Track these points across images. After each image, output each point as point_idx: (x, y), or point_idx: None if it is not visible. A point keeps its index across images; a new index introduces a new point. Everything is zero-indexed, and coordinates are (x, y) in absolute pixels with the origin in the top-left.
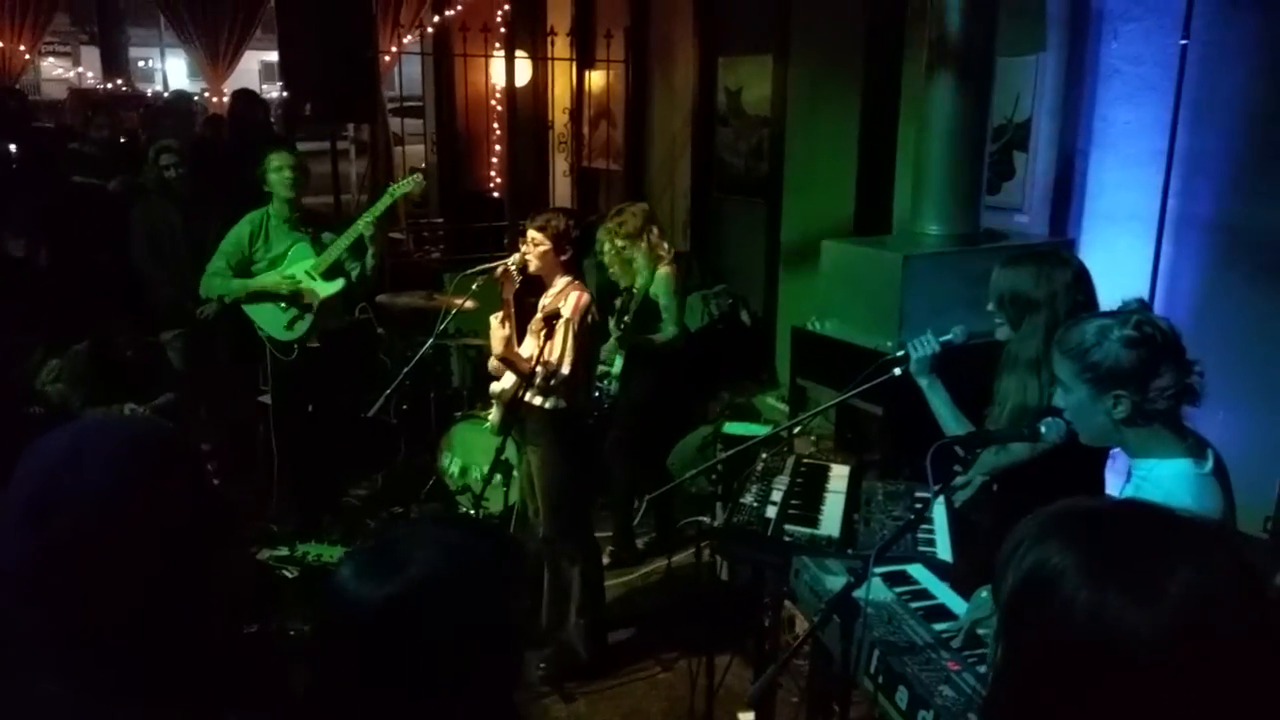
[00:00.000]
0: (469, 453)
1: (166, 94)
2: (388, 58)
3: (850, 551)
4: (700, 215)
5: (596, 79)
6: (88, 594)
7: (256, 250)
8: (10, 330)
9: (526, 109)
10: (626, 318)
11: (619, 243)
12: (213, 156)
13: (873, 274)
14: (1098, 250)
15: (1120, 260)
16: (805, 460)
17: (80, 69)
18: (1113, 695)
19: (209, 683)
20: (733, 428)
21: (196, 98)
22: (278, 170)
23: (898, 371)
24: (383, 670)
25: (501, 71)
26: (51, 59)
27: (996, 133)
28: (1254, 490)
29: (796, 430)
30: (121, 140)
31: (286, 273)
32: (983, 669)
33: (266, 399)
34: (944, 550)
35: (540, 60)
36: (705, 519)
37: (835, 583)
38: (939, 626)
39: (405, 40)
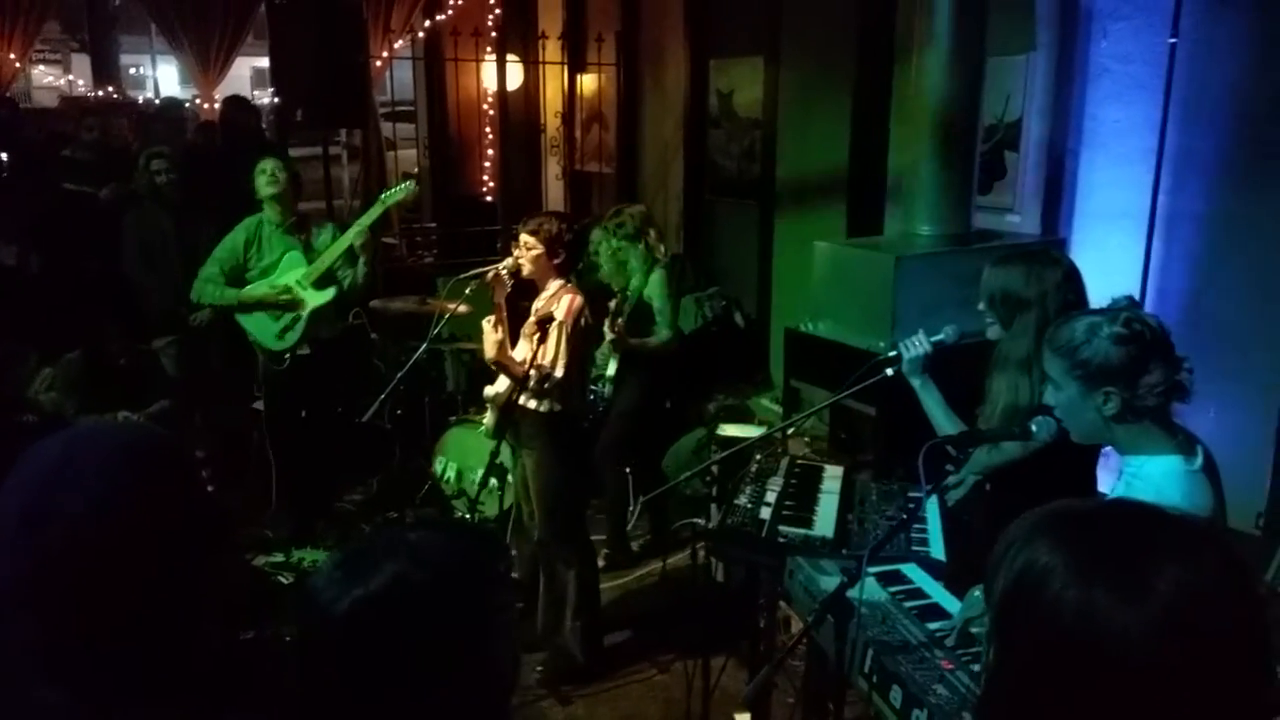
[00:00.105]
0: (464, 457)
1: (158, 101)
2: (379, 63)
3: (844, 552)
4: (693, 218)
5: (588, 82)
6: (83, 600)
7: (250, 258)
8: (2, 338)
9: (518, 113)
10: (620, 320)
11: (615, 244)
12: (204, 163)
13: (865, 275)
14: (1089, 249)
15: (1112, 258)
16: (799, 461)
17: (71, 76)
18: (1103, 694)
19: (205, 688)
20: (727, 429)
21: (188, 104)
22: (260, 174)
23: (890, 372)
24: (357, 675)
25: (493, 75)
26: (42, 67)
27: (987, 133)
28: (1245, 486)
29: (790, 431)
30: (114, 147)
31: (278, 282)
32: (976, 667)
33: (260, 405)
34: (937, 549)
35: (532, 64)
36: (700, 521)
37: (829, 583)
38: (933, 625)
39: (396, 45)
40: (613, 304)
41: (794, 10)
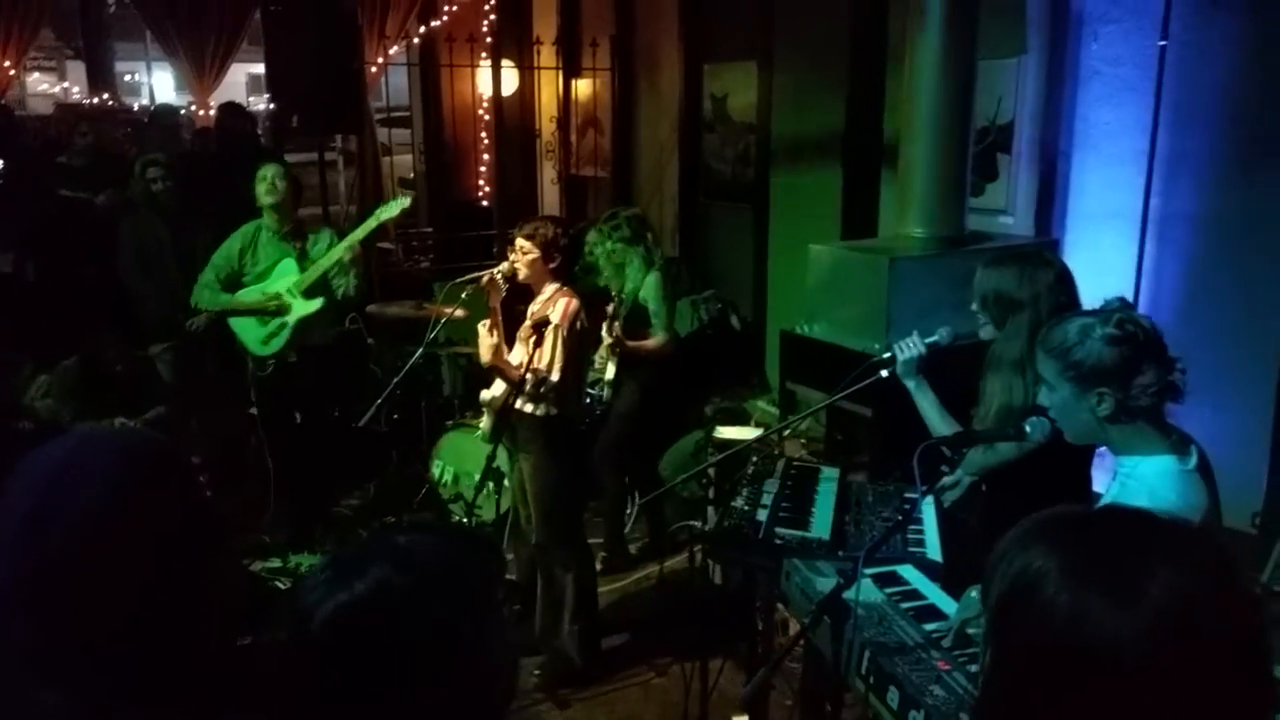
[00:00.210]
0: (461, 461)
1: (153, 108)
2: (374, 69)
3: (840, 553)
4: (688, 221)
5: (583, 87)
6: (82, 603)
7: (245, 263)
8: None
9: (514, 118)
10: (617, 323)
11: (610, 247)
12: (200, 170)
13: (859, 277)
14: (1082, 250)
15: (1105, 259)
16: (795, 463)
17: (66, 84)
18: (1097, 698)
19: (202, 692)
20: (724, 432)
21: (183, 111)
22: (260, 181)
23: (885, 374)
24: (342, 679)
25: (488, 81)
26: (37, 74)
27: (979, 135)
28: (1242, 486)
29: (787, 433)
30: (109, 154)
31: (269, 289)
32: (973, 668)
33: (255, 410)
34: (934, 550)
35: (527, 69)
36: (697, 523)
37: (826, 584)
38: (929, 626)
39: (391, 51)
40: (610, 308)
41: (787, 14)
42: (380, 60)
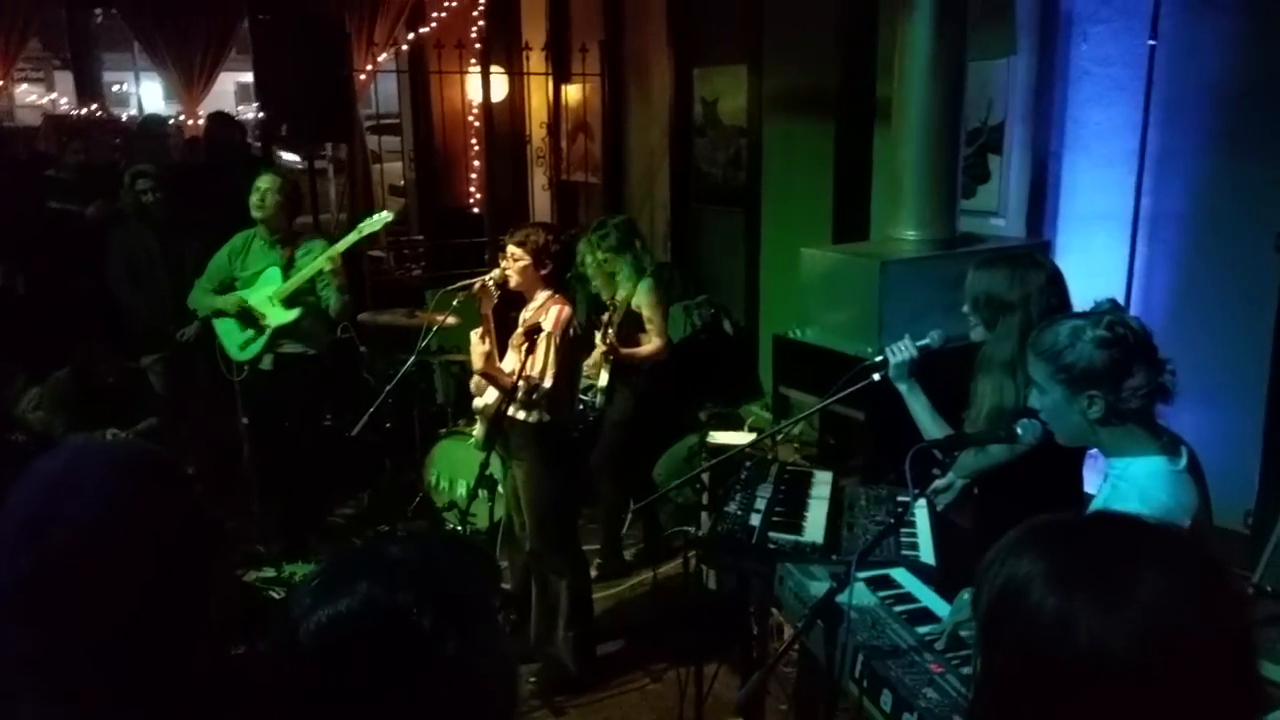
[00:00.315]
0: (454, 469)
1: (141, 118)
2: (363, 76)
3: (834, 557)
4: (680, 226)
5: (573, 93)
6: (79, 613)
7: (236, 267)
8: None
9: (504, 124)
10: (611, 330)
11: (601, 255)
12: (190, 180)
13: (851, 280)
14: (1074, 251)
15: (1096, 260)
16: (789, 467)
17: (54, 95)
18: (1086, 702)
19: (198, 701)
20: (718, 437)
21: (172, 121)
22: (253, 192)
23: (877, 377)
24: (327, 696)
25: (478, 87)
26: (25, 85)
27: (970, 137)
28: (1234, 485)
29: (780, 437)
30: (98, 165)
31: (253, 295)
32: (966, 670)
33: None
34: (927, 553)
35: (516, 75)
36: (691, 529)
37: (819, 588)
38: (922, 629)
39: (380, 58)
40: (605, 315)
41: (776, 17)
42: (369, 67)
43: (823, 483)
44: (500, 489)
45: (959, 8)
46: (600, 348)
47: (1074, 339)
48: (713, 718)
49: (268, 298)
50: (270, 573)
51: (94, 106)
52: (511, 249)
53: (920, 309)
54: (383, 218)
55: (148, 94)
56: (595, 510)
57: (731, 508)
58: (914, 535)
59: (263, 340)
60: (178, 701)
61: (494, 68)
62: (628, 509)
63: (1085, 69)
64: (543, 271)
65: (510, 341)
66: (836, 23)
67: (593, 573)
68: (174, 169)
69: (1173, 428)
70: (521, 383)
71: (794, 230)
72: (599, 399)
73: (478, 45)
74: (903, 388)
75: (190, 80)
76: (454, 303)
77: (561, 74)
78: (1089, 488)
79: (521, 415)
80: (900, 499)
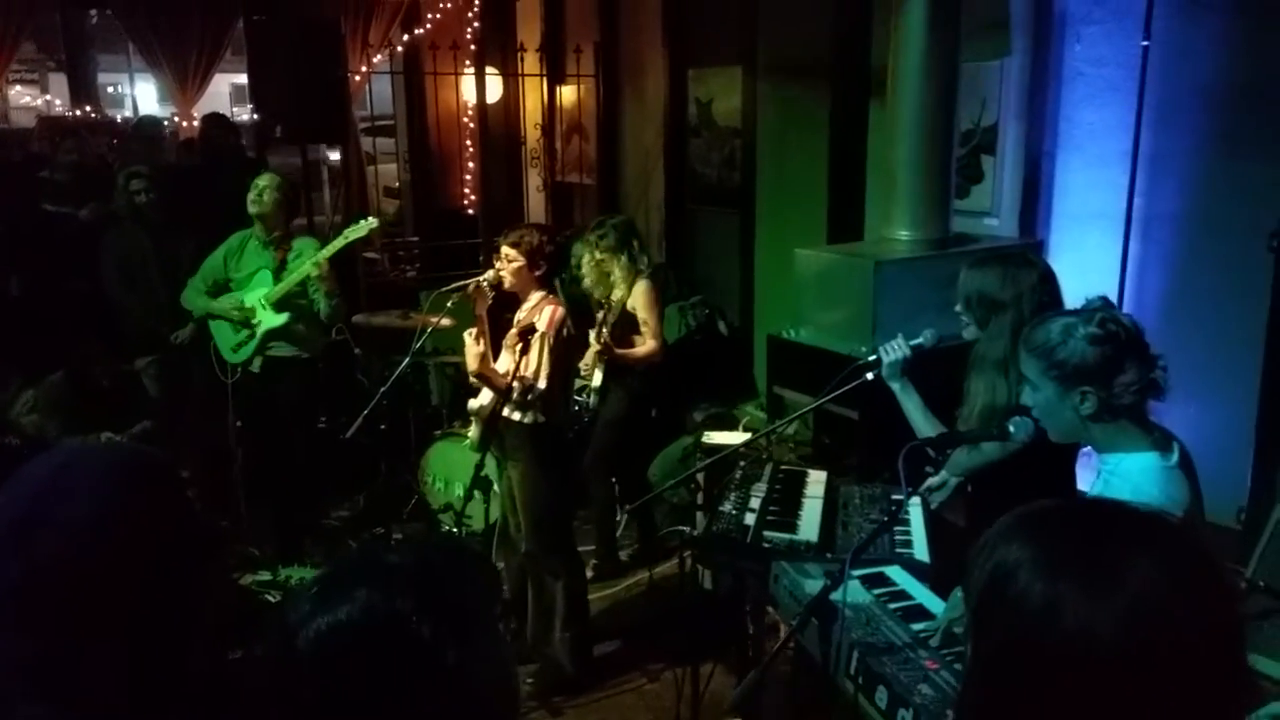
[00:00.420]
0: (450, 470)
1: (136, 119)
2: (358, 77)
3: (829, 555)
4: (675, 227)
5: (568, 94)
6: (73, 616)
7: (231, 268)
8: None
9: (498, 125)
10: (605, 330)
11: (598, 255)
12: (184, 181)
13: (845, 281)
14: (1067, 250)
15: (1090, 259)
16: (783, 467)
17: (48, 96)
18: (1073, 688)
19: (193, 705)
20: (712, 437)
21: (167, 122)
22: (251, 189)
23: (870, 376)
24: (326, 704)
25: (472, 89)
26: (19, 87)
27: (964, 137)
28: (1226, 482)
29: (775, 437)
30: (92, 166)
31: (245, 298)
32: (960, 667)
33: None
34: (921, 551)
35: (511, 77)
36: (686, 529)
37: (814, 587)
38: (917, 626)
39: (375, 60)
40: (600, 315)
41: (771, 19)
42: (364, 69)
43: (817, 481)
44: (496, 490)
45: (952, 9)
46: (594, 347)
47: (1066, 336)
48: (709, 717)
49: (259, 300)
50: (265, 576)
51: (88, 108)
52: (506, 250)
53: (914, 308)
54: (368, 223)
55: (142, 95)
56: (591, 511)
57: (726, 507)
58: (908, 533)
59: (254, 344)
60: (174, 706)
61: (489, 69)
62: (621, 509)
63: (1079, 70)
64: (537, 272)
65: (504, 342)
66: (830, 24)
67: (589, 573)
68: (169, 170)
69: (1165, 425)
70: (516, 383)
71: (788, 231)
72: (593, 399)
73: (473, 47)
74: (896, 387)
75: (185, 82)
76: (449, 304)
77: (556, 75)
78: (1081, 484)
79: (516, 416)
80: (894, 497)
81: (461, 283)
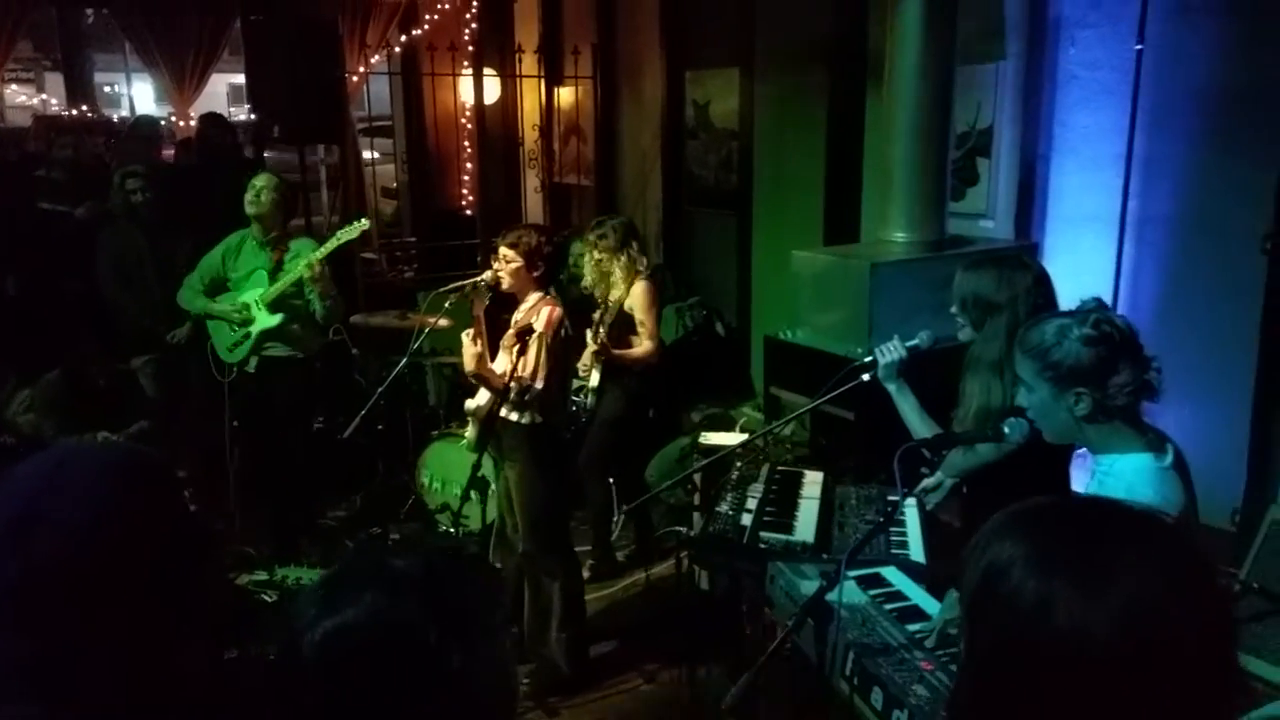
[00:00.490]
0: (447, 471)
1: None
2: (355, 78)
3: (825, 556)
4: (672, 228)
5: (565, 95)
6: (69, 616)
7: (228, 267)
8: None
9: (496, 126)
10: (603, 330)
11: (597, 255)
12: (180, 180)
13: (842, 282)
14: (1062, 253)
15: (1084, 261)
16: (780, 468)
17: (45, 96)
18: (1065, 686)
19: (192, 706)
20: (709, 438)
21: (163, 122)
22: (249, 189)
23: (866, 377)
24: (330, 705)
25: (470, 90)
26: (15, 86)
27: (959, 140)
28: (1221, 483)
29: (771, 438)
30: (88, 166)
31: (240, 299)
32: (956, 668)
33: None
34: (917, 552)
35: (509, 78)
36: (683, 529)
37: (810, 587)
38: (913, 627)
39: (373, 60)
40: (597, 315)
41: (768, 22)
42: (361, 69)
43: (813, 482)
44: (493, 490)
45: (948, 12)
46: (591, 347)
47: (1061, 337)
48: (705, 718)
49: (254, 300)
50: (262, 575)
51: (84, 108)
52: (504, 251)
53: (909, 310)
54: (360, 225)
55: (139, 95)
56: (588, 511)
57: (723, 508)
58: (904, 534)
59: (249, 344)
60: (170, 705)
61: (487, 70)
62: (617, 509)
63: (1073, 73)
64: (535, 273)
65: (502, 343)
66: (827, 27)
67: (585, 574)
68: (166, 170)
69: (1160, 426)
70: (513, 384)
71: (785, 232)
72: (590, 399)
73: (470, 48)
74: (892, 388)
75: (182, 81)
76: (446, 305)
77: (554, 77)
78: (1076, 486)
79: (514, 416)
80: (890, 498)
81: (459, 283)
